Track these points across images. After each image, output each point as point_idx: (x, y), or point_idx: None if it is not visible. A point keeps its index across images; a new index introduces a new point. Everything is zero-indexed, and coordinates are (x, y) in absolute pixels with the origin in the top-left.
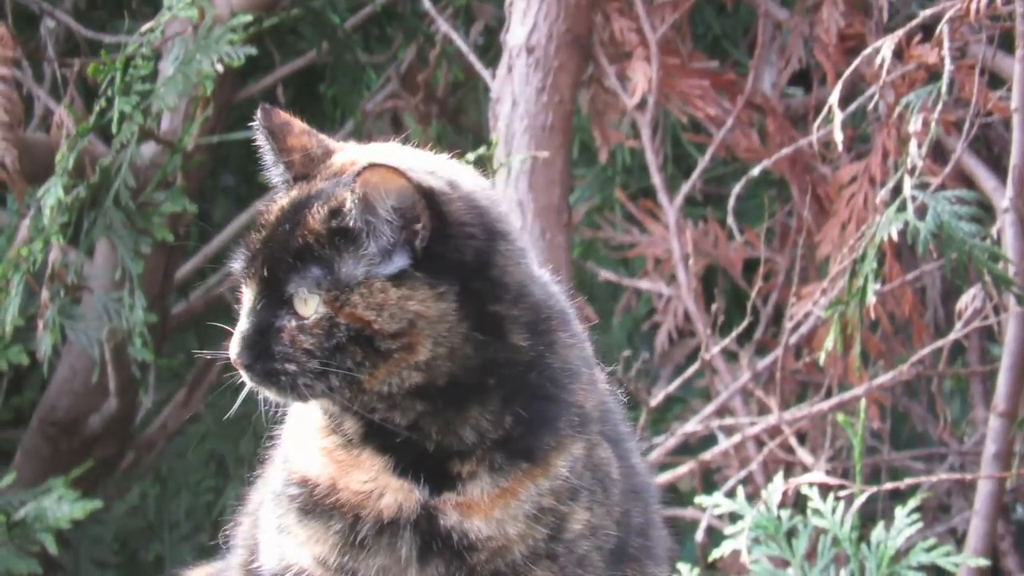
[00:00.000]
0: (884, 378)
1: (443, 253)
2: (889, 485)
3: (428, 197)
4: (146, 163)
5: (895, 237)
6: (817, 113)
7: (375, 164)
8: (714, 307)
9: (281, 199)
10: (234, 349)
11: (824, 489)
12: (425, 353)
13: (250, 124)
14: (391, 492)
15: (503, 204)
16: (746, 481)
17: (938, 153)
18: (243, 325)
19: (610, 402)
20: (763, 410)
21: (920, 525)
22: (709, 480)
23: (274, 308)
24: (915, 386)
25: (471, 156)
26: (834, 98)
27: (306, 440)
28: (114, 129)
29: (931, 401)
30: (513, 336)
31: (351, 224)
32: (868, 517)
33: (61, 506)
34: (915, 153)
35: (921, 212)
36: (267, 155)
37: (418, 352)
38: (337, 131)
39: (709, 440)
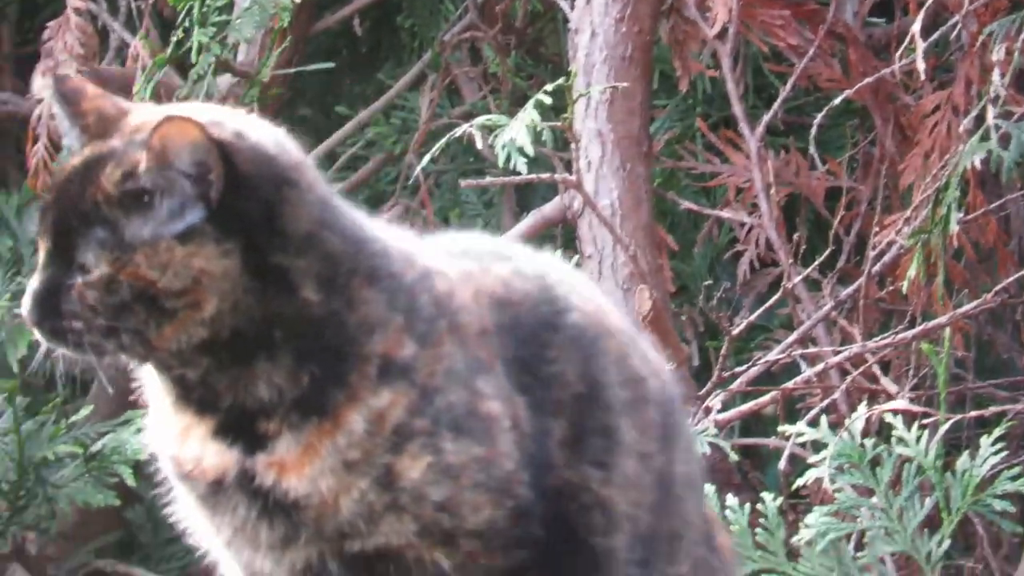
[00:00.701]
0: (968, 307)
1: (232, 204)
2: (974, 413)
3: (219, 147)
4: (222, 94)
5: (978, 166)
6: (899, 43)
7: (171, 117)
8: (796, 236)
9: (75, 158)
10: (25, 307)
11: (908, 417)
12: (210, 309)
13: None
14: (210, 455)
15: (297, 152)
16: (829, 410)
17: (1021, 82)
18: (34, 283)
19: (519, 329)
20: (846, 339)
21: (1006, 453)
22: (792, 409)
23: (64, 266)
24: (1000, 314)
25: (550, 87)
26: (916, 27)
27: (156, 411)
28: (193, 59)
29: (1016, 329)
30: (303, 290)
31: (144, 185)
32: (953, 445)
33: (139, 438)
34: (998, 82)
35: (1005, 141)
36: (63, 121)
37: (203, 309)
38: (414, 62)
39: (792, 369)
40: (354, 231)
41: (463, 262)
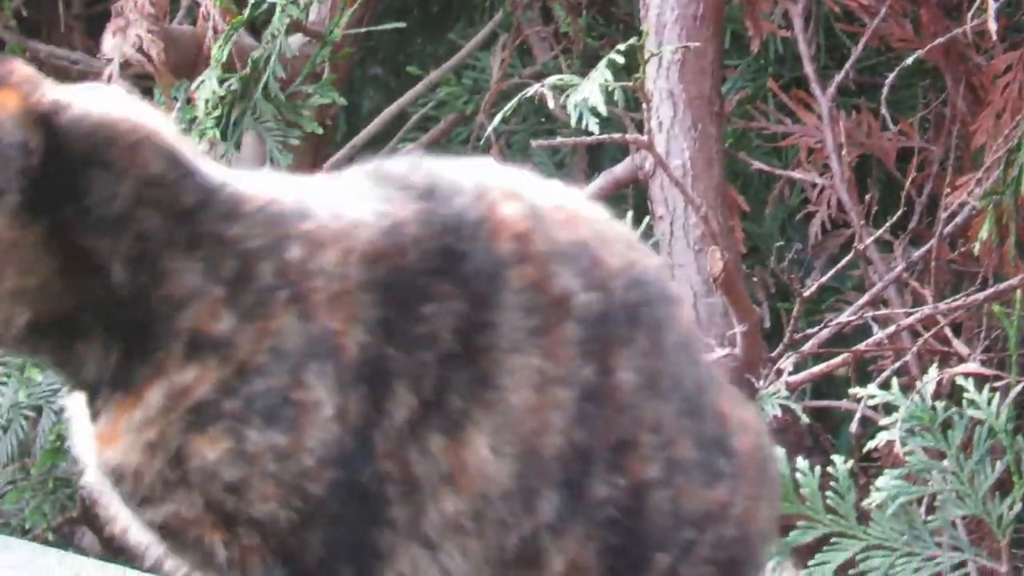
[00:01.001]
0: None
1: (44, 177)
2: None
3: (38, 118)
4: (294, 54)
5: None
6: (971, 2)
7: None
8: (868, 197)
9: None
10: None
11: (980, 380)
12: (12, 281)
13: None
14: (87, 435)
15: (135, 126)
16: (901, 372)
17: None
18: None
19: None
20: (918, 301)
21: None
22: (864, 371)
23: None
24: None
25: (622, 47)
26: None
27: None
28: (276, 20)
29: None
30: (111, 270)
31: None
32: None
33: None
34: None
35: None
36: None
37: (2, 281)
38: (486, 22)
39: (864, 331)
40: (193, 199)
41: (372, 205)
